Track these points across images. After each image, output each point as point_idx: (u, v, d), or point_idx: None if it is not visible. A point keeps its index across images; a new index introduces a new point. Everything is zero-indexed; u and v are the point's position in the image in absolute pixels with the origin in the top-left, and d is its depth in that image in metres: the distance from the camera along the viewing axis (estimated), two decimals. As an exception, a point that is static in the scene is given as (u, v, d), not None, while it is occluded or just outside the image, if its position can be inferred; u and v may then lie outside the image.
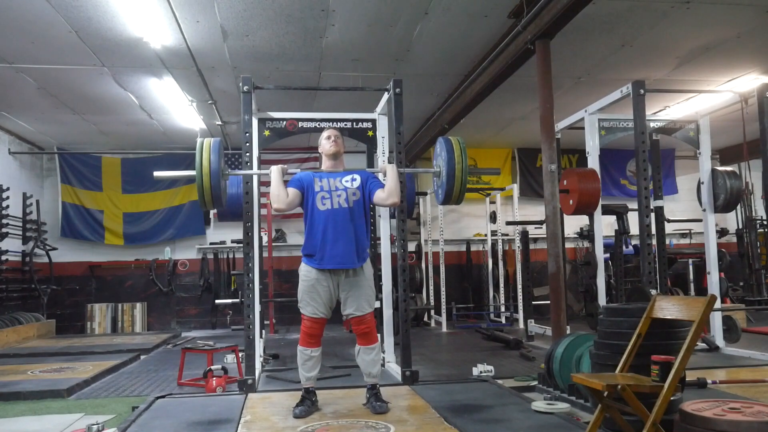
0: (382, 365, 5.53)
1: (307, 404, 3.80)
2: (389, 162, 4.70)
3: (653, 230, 6.36)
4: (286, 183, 3.93)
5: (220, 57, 6.39)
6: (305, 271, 3.88)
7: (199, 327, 10.35)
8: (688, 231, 11.17)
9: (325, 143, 3.99)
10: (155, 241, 10.35)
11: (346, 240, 3.80)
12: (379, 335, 4.42)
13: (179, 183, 10.42)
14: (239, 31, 5.81)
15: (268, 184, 4.04)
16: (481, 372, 5.02)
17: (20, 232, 9.30)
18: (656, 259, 6.77)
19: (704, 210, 6.40)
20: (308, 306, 3.83)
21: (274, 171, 3.91)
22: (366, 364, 3.86)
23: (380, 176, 4.08)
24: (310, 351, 3.84)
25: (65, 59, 6.34)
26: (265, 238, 9.22)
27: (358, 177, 3.92)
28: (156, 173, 4.38)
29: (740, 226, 9.37)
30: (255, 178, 4.90)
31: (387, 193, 3.84)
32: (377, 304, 5.55)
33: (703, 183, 6.37)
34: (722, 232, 9.40)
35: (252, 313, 4.77)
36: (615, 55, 6.63)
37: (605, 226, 6.86)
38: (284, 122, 5.46)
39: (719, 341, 6.15)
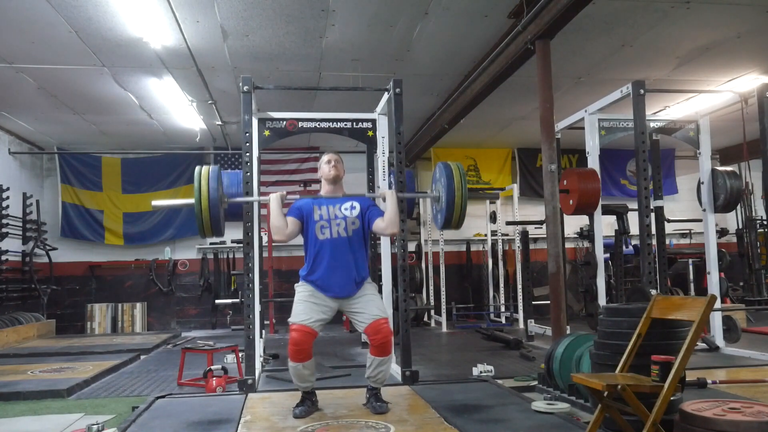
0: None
1: (308, 404, 3.80)
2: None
3: (653, 230, 6.36)
4: (285, 210, 3.89)
5: (220, 57, 6.39)
6: (303, 286, 3.84)
7: (199, 327, 10.35)
8: (688, 231, 11.17)
9: (325, 167, 3.95)
10: (155, 241, 10.35)
11: (345, 270, 3.75)
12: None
13: (179, 183, 10.42)
14: (239, 31, 5.81)
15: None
16: (481, 372, 5.02)
17: (20, 232, 9.30)
18: (656, 259, 6.77)
19: (704, 210, 6.40)
20: (301, 314, 3.72)
21: (273, 200, 3.84)
22: (377, 373, 3.75)
23: (379, 202, 4.03)
24: (302, 366, 3.74)
25: (65, 59, 6.34)
26: (265, 238, 9.22)
27: (357, 205, 3.86)
28: (154, 203, 4.39)
29: (740, 226, 9.37)
30: (255, 178, 4.90)
31: (386, 223, 3.79)
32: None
33: (703, 183, 6.37)
34: (722, 232, 9.40)
35: (252, 313, 4.78)
36: (615, 55, 6.63)
37: (605, 226, 6.86)
38: (284, 122, 5.46)
39: (719, 341, 6.15)
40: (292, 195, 4.11)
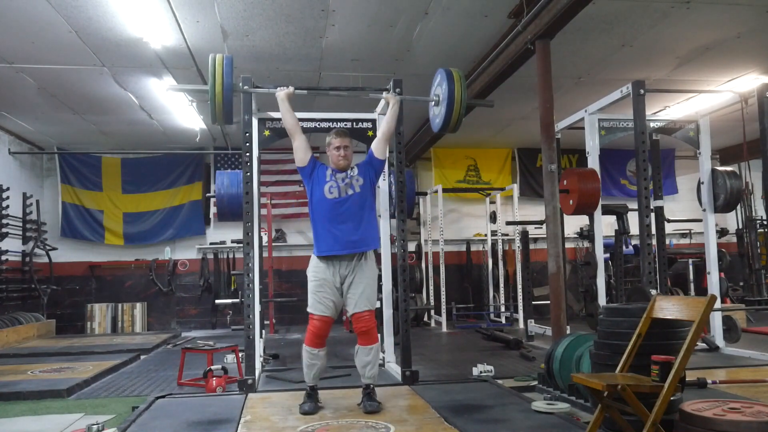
0: (382, 365, 5.54)
1: (314, 401, 3.89)
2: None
3: (653, 230, 6.36)
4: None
5: (220, 57, 6.39)
6: (313, 267, 3.99)
7: (199, 327, 10.35)
8: (688, 231, 11.17)
9: (334, 153, 4.03)
10: (155, 241, 10.35)
11: (353, 225, 3.91)
12: (379, 335, 4.46)
13: (179, 183, 10.43)
14: (239, 31, 5.81)
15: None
16: (481, 372, 5.02)
17: (20, 232, 9.30)
18: (656, 259, 6.77)
19: (704, 210, 6.40)
20: (318, 305, 3.92)
21: (281, 100, 4.16)
22: (363, 365, 3.90)
23: (382, 103, 4.55)
24: (318, 351, 3.93)
25: (65, 59, 6.34)
26: (265, 238, 9.22)
27: (356, 167, 4.07)
28: (168, 87, 4.68)
29: (740, 226, 9.37)
30: (255, 178, 4.90)
31: (381, 132, 4.16)
32: (377, 304, 5.57)
33: (703, 183, 6.37)
34: (722, 232, 9.41)
35: (252, 313, 4.77)
36: (615, 55, 6.63)
37: (605, 226, 6.85)
38: (284, 122, 5.45)
39: (719, 341, 6.15)
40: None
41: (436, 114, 4.67)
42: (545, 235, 5.57)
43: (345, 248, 3.89)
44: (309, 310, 3.96)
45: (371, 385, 3.90)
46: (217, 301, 9.41)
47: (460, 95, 4.41)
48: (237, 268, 9.98)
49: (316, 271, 3.97)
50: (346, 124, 5.52)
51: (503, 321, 9.86)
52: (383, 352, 5.58)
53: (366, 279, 3.93)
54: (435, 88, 4.68)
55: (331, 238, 3.90)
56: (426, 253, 10.12)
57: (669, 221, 7.57)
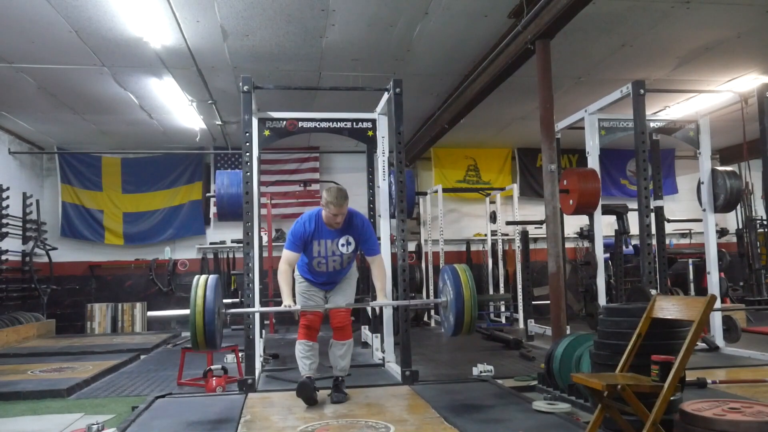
0: (382, 365, 5.54)
1: (312, 384, 4.04)
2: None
3: (653, 230, 6.36)
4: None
5: (220, 57, 6.39)
6: (300, 281, 4.36)
7: (199, 327, 10.33)
8: (688, 231, 11.17)
9: (331, 217, 4.08)
10: (155, 241, 10.35)
11: (336, 278, 4.35)
12: (378, 335, 4.49)
13: (179, 183, 10.43)
14: (239, 31, 5.81)
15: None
16: (481, 372, 5.02)
17: (20, 232, 9.30)
18: (656, 259, 6.77)
19: (704, 210, 6.40)
20: (308, 302, 4.29)
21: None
22: (335, 358, 4.28)
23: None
24: (312, 343, 4.20)
25: (65, 59, 6.34)
26: (265, 238, 9.22)
27: (353, 240, 4.22)
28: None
29: (740, 226, 9.38)
30: (255, 178, 4.90)
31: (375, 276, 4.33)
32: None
33: (703, 183, 6.36)
34: (722, 232, 9.41)
35: (252, 313, 4.77)
36: (615, 55, 6.63)
37: (605, 226, 6.86)
38: (284, 122, 5.46)
39: (719, 341, 6.15)
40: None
41: (445, 318, 4.28)
42: (545, 235, 5.57)
43: (329, 287, 4.37)
44: (300, 308, 4.21)
45: (341, 377, 4.25)
46: (217, 301, 9.39)
47: (471, 310, 4.01)
48: (237, 268, 9.98)
49: (303, 277, 4.34)
50: (346, 124, 5.53)
51: (503, 321, 9.85)
52: (383, 351, 5.58)
53: (345, 281, 4.37)
54: (443, 285, 4.28)
55: (320, 283, 4.33)
56: (426, 253, 10.12)
57: (669, 221, 7.57)
